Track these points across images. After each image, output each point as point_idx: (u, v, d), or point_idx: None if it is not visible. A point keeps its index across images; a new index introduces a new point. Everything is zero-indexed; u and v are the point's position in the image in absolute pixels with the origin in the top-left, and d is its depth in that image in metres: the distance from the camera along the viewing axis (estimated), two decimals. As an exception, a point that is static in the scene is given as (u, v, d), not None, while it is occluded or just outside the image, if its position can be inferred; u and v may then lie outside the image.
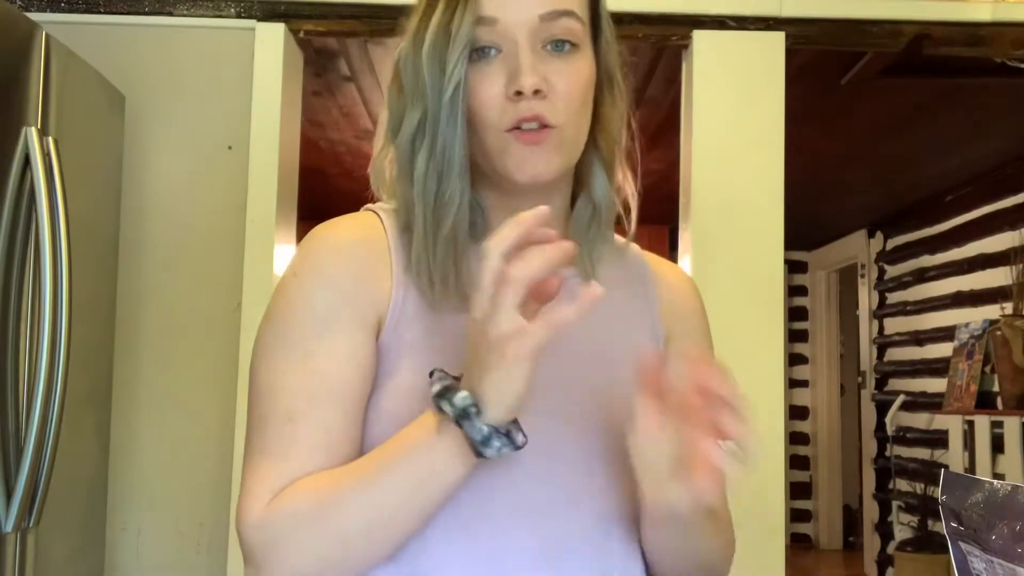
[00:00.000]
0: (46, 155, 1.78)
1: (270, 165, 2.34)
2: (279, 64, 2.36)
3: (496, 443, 0.73)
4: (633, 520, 0.87)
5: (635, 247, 1.04)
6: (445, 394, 0.74)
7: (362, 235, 0.87)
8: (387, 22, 2.41)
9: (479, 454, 0.74)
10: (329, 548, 0.77)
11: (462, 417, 0.73)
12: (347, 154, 4.36)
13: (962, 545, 0.62)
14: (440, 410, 0.74)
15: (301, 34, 2.43)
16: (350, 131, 3.98)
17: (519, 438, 0.74)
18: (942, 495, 0.65)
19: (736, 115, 2.38)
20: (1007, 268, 4.17)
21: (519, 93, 0.81)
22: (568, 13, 0.83)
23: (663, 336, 0.97)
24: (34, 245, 1.78)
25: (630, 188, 0.98)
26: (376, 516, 0.77)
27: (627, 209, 0.98)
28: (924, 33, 2.41)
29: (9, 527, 1.71)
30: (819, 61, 2.85)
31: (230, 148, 2.35)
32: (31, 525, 1.77)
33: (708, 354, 1.00)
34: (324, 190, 5.07)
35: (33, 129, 1.77)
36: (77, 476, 2.04)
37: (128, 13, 2.35)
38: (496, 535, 0.82)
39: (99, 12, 2.35)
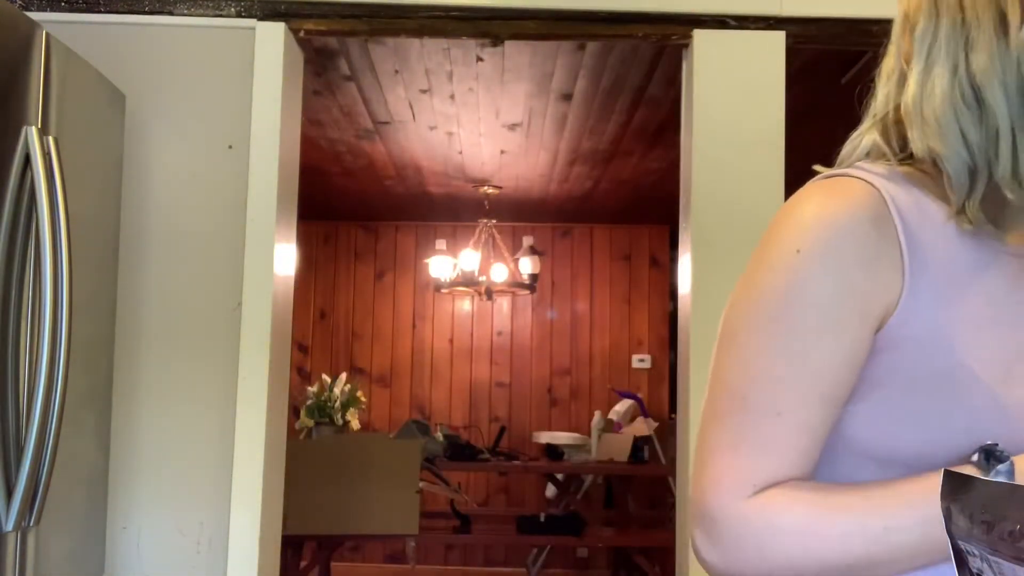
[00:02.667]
0: (46, 154, 1.78)
1: (270, 164, 2.34)
2: (279, 63, 2.36)
3: None
4: None
5: None
6: None
7: (871, 213, 0.78)
8: (387, 21, 2.41)
9: None
10: (805, 569, 0.76)
11: None
12: (347, 153, 4.36)
13: (962, 544, 0.62)
14: None
15: (301, 33, 2.43)
16: (350, 130, 3.98)
17: None
18: (942, 494, 0.65)
19: (736, 115, 2.38)
20: (1007, 268, 4.17)
21: None
22: None
23: None
24: (34, 244, 1.78)
25: None
26: (864, 563, 0.75)
27: None
28: (924, 32, 2.40)
29: (9, 526, 1.71)
30: (819, 60, 2.85)
31: (230, 147, 2.35)
32: (31, 524, 1.77)
33: None
34: (324, 189, 5.08)
35: (33, 128, 1.76)
36: (77, 475, 2.04)
37: (128, 12, 2.35)
38: None
39: (99, 11, 2.35)
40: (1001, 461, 0.72)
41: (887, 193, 0.80)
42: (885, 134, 0.86)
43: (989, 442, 0.73)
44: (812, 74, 2.90)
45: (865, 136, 0.88)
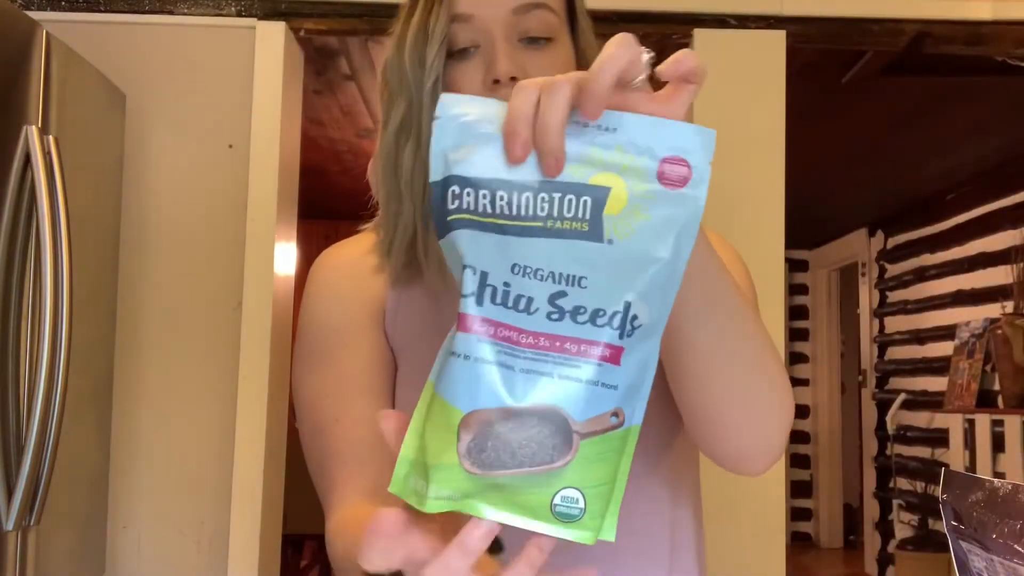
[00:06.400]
0: (47, 154, 1.78)
1: (270, 164, 2.34)
2: (280, 62, 2.36)
3: None
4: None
5: None
6: None
7: (358, 253, 0.93)
8: (387, 20, 2.39)
9: None
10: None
11: None
12: (347, 152, 4.37)
13: (963, 544, 0.62)
14: None
15: (302, 32, 2.43)
16: (350, 129, 3.98)
17: None
18: (943, 494, 0.65)
19: (736, 114, 2.38)
20: (1008, 267, 4.17)
21: (496, 81, 0.82)
22: (541, 5, 0.84)
23: None
24: (35, 244, 1.78)
25: None
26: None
27: None
28: (925, 32, 2.41)
29: (10, 525, 1.71)
30: (820, 60, 2.84)
31: (231, 147, 2.35)
32: (32, 523, 1.77)
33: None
34: (324, 189, 5.08)
35: (34, 128, 1.76)
36: (78, 475, 2.04)
37: (129, 11, 2.35)
38: None
39: (100, 11, 2.35)
40: None
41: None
42: None
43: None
44: (813, 73, 2.90)
45: None
